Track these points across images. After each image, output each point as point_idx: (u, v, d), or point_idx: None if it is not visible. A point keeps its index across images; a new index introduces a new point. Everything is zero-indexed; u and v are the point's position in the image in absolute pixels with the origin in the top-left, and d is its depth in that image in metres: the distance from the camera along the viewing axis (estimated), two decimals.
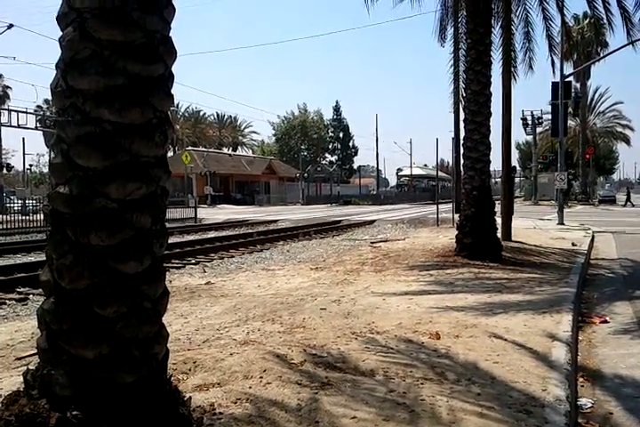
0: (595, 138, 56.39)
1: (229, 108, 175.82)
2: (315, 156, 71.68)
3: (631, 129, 56.92)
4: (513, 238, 12.81)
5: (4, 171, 38.40)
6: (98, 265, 2.49)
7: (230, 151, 67.88)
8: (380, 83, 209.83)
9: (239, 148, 79.24)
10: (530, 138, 51.90)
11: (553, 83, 20.14)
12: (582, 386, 4.18)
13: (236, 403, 3.14)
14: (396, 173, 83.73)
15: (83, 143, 2.50)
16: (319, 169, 61.99)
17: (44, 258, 2.68)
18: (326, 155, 75.35)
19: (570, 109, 29.71)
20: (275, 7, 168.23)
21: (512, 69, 13.17)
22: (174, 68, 2.75)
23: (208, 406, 3.08)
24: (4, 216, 22.45)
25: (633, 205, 41.89)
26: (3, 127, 34.75)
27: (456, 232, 10.43)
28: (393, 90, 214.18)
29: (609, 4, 11.84)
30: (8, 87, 57.21)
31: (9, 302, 7.90)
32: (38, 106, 47.86)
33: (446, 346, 4.34)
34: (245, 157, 61.58)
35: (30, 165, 61.13)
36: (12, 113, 31.59)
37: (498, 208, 11.16)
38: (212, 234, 20.07)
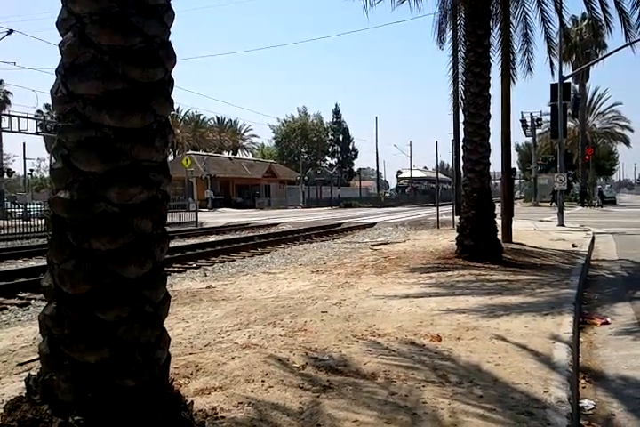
0: (594, 139, 56.32)
1: (229, 112, 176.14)
2: (315, 159, 71.76)
3: (630, 130, 56.95)
4: (513, 240, 12.81)
5: (5, 176, 38.41)
6: (99, 270, 2.50)
7: (230, 155, 67.96)
8: (379, 85, 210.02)
9: (239, 151, 79.31)
10: (529, 139, 51.93)
11: (552, 84, 20.15)
12: (584, 387, 4.17)
13: (237, 407, 3.14)
14: (396, 176, 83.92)
15: (83, 148, 2.51)
16: (319, 172, 62.13)
17: (46, 263, 2.68)
18: (326, 158, 75.41)
19: (569, 111, 29.76)
20: (274, 9, 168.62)
21: (511, 71, 13.19)
22: (174, 73, 2.76)
23: (210, 410, 3.07)
24: (6, 221, 22.48)
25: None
26: (3, 132, 34.88)
27: (456, 234, 10.43)
28: (393, 92, 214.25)
29: (607, 6, 11.86)
30: (9, 93, 57.26)
31: (10, 308, 7.91)
32: (39, 111, 47.88)
33: (448, 348, 4.33)
34: (246, 161, 61.67)
35: (31, 170, 61.10)
36: (13, 118, 31.73)
37: (498, 210, 11.16)
38: (212, 238, 20.06)
